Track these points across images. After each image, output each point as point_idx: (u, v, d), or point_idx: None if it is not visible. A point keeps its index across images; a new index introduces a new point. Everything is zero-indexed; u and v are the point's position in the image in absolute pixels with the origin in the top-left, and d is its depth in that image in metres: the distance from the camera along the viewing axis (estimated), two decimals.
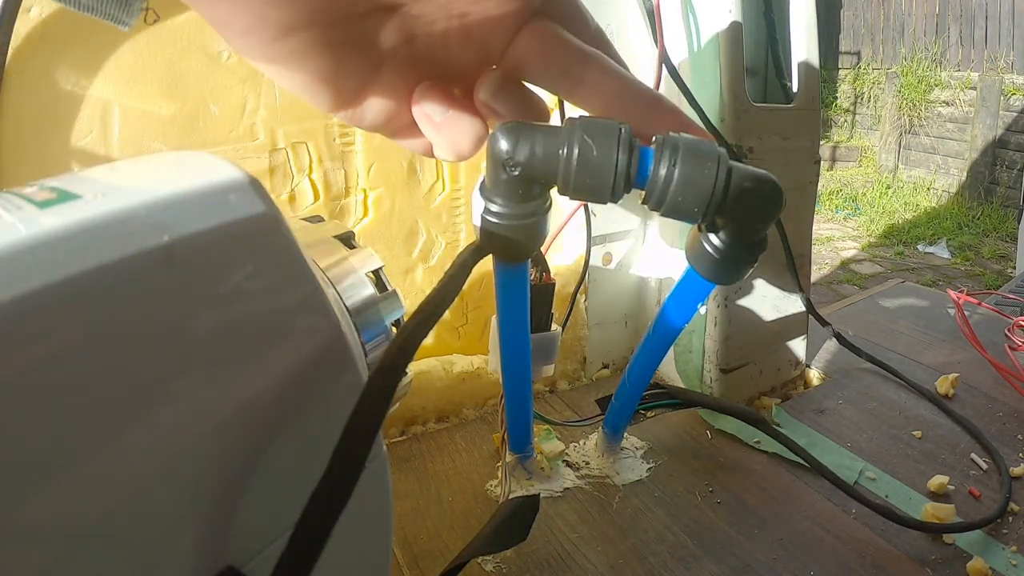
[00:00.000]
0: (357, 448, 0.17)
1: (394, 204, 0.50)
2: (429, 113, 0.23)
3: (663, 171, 0.25)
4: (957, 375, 0.59)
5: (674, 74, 0.49)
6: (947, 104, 4.28)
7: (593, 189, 0.25)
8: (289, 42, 0.20)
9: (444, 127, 0.24)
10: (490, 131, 0.25)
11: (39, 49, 0.36)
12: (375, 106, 0.24)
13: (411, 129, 0.25)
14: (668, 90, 0.53)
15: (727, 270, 0.29)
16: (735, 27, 0.49)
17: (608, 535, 0.41)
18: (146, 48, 0.39)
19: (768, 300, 0.55)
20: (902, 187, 4.42)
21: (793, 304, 0.57)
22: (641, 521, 0.42)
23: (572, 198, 0.26)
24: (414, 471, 0.47)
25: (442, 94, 0.23)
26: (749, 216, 0.27)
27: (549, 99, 0.52)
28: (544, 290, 0.43)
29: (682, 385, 0.57)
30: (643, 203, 0.26)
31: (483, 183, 0.27)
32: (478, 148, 0.25)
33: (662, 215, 0.26)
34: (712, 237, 0.29)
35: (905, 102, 4.47)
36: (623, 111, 0.24)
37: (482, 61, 0.23)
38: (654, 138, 0.25)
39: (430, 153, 0.25)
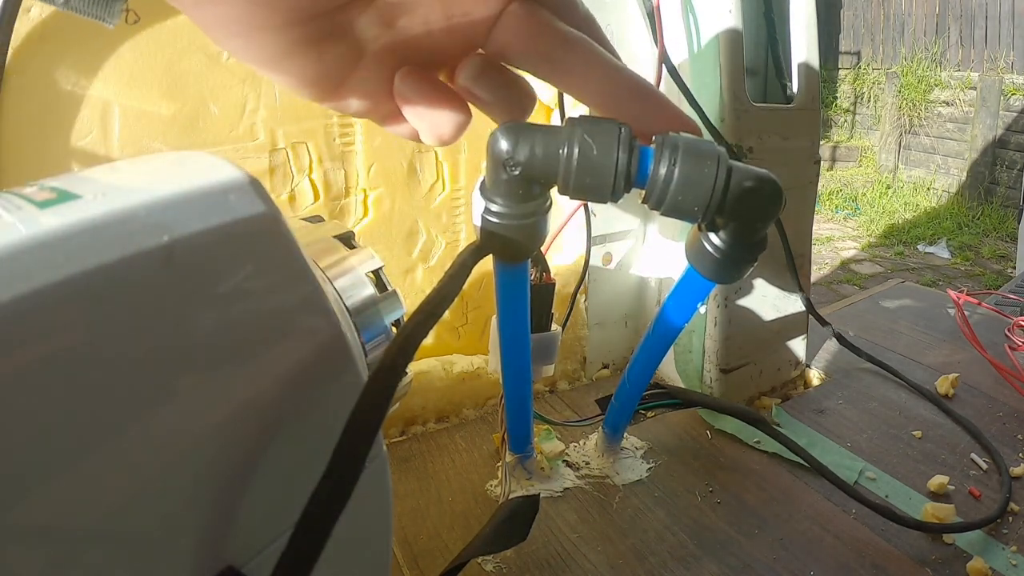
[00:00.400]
0: (357, 448, 0.17)
1: (394, 204, 0.50)
2: (409, 99, 0.23)
3: (663, 170, 0.25)
4: (957, 375, 0.59)
5: (674, 74, 0.49)
6: (947, 104, 4.28)
7: (593, 189, 0.25)
8: (271, 42, 0.20)
9: (424, 113, 0.23)
10: (472, 116, 0.24)
11: (39, 49, 0.36)
12: (359, 94, 0.23)
13: (399, 115, 0.25)
14: (668, 90, 0.53)
15: (727, 269, 0.29)
16: (735, 27, 0.49)
17: (608, 535, 0.41)
18: (146, 48, 0.39)
19: (768, 300, 0.55)
20: (902, 187, 4.42)
21: (793, 304, 0.57)
22: (641, 521, 0.42)
23: (572, 198, 0.26)
24: (414, 471, 0.47)
25: (422, 80, 0.23)
26: (749, 215, 0.27)
27: (548, 96, 0.52)
28: (544, 290, 0.43)
29: (682, 385, 0.57)
30: (643, 202, 0.26)
31: (483, 183, 0.28)
32: (459, 133, 0.24)
33: (662, 214, 0.26)
34: (712, 236, 0.29)
35: (905, 102, 4.47)
36: (606, 98, 0.24)
37: (466, 45, 0.23)
38: (654, 137, 0.25)
39: (418, 138, 0.25)
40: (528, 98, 0.25)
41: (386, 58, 0.23)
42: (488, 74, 0.23)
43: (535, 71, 0.23)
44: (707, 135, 0.48)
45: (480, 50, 0.24)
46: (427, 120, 0.24)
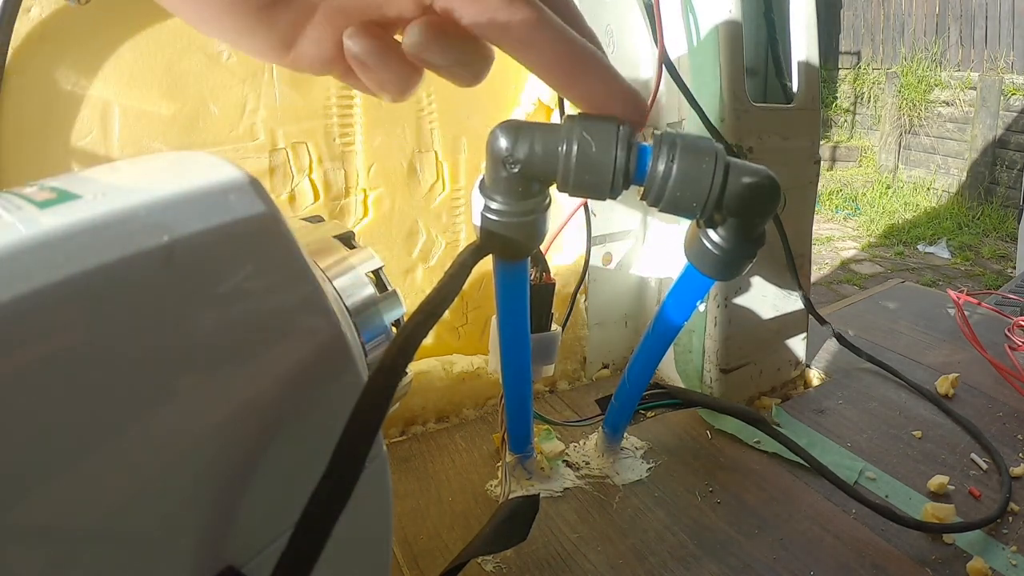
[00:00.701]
0: (357, 448, 0.17)
1: (394, 204, 0.50)
2: (358, 57, 0.23)
3: (661, 167, 0.25)
4: (957, 375, 0.59)
5: (674, 74, 0.49)
6: (947, 104, 4.28)
7: (592, 186, 0.25)
8: (228, 11, 0.21)
9: (372, 71, 0.23)
10: (423, 74, 0.24)
11: (39, 49, 0.36)
12: (314, 54, 0.24)
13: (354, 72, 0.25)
14: (668, 90, 0.54)
15: (726, 266, 0.30)
16: (735, 27, 0.49)
17: (608, 535, 0.41)
18: (146, 48, 0.39)
19: (768, 300, 0.55)
20: (902, 187, 4.42)
21: (793, 304, 0.57)
22: (641, 521, 0.42)
23: (572, 195, 0.26)
24: (414, 471, 0.47)
25: (369, 38, 0.23)
26: (747, 211, 0.27)
27: (548, 95, 0.52)
28: (544, 290, 0.43)
29: (682, 385, 0.57)
30: (642, 199, 0.26)
31: (482, 181, 0.28)
32: (407, 91, 0.24)
33: (661, 210, 0.26)
34: (711, 233, 0.29)
35: (905, 102, 4.46)
36: (546, 66, 0.23)
37: (416, 5, 0.23)
38: (652, 134, 0.25)
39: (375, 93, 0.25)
40: (480, 61, 0.24)
41: (337, 18, 0.23)
42: (433, 37, 0.23)
43: (480, 32, 0.23)
44: (706, 135, 0.48)
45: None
46: (374, 79, 0.24)
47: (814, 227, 0.60)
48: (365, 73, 0.24)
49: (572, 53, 0.23)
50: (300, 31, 0.23)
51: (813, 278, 0.93)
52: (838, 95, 5.13)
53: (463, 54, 0.23)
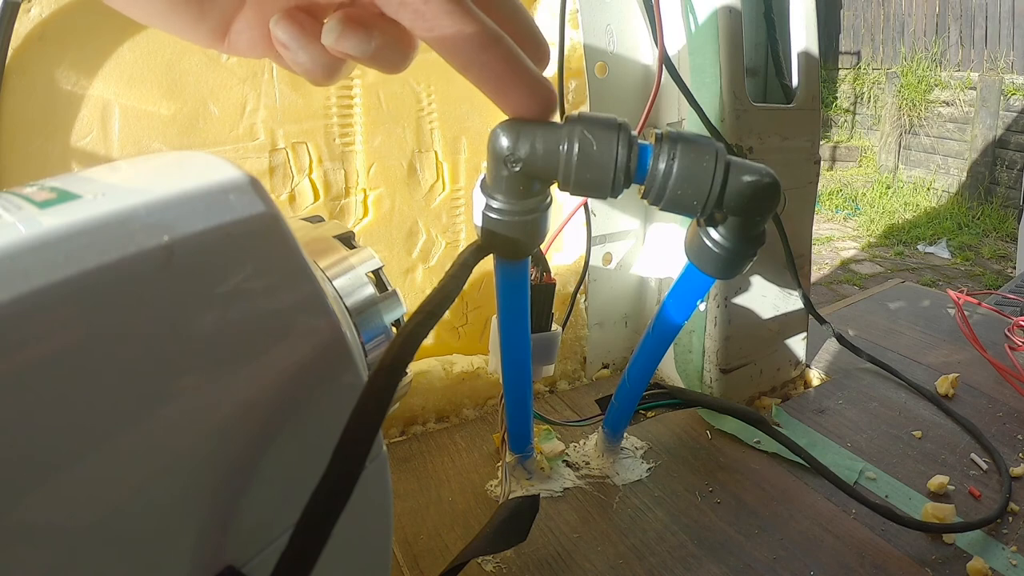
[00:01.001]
0: (357, 448, 0.17)
1: (394, 204, 0.50)
2: (283, 44, 0.23)
3: (662, 165, 0.25)
4: (957, 375, 0.59)
5: (674, 74, 0.49)
6: (947, 104, 4.28)
7: (594, 184, 0.25)
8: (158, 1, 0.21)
9: (295, 56, 0.24)
10: (345, 60, 0.24)
11: (39, 49, 0.36)
12: (244, 38, 0.24)
13: None
14: (668, 90, 0.54)
15: (727, 264, 0.30)
16: (735, 27, 0.49)
17: (608, 535, 0.41)
18: (146, 48, 0.39)
19: (768, 300, 0.55)
20: (902, 187, 4.42)
21: (793, 304, 0.57)
22: (641, 521, 0.42)
23: (573, 194, 0.26)
24: (414, 471, 0.47)
25: (294, 24, 0.23)
26: (748, 210, 0.27)
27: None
28: (544, 290, 0.43)
29: (682, 385, 0.57)
30: (643, 197, 0.26)
31: (483, 180, 0.28)
32: (333, 76, 0.24)
33: (661, 209, 0.26)
34: (711, 231, 0.29)
35: (905, 102, 4.47)
36: (446, 44, 0.22)
37: None
38: (654, 133, 0.25)
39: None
40: (399, 51, 0.23)
41: (266, 5, 0.23)
42: (350, 29, 0.22)
43: (397, 16, 0.22)
44: (706, 135, 0.48)
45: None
46: (299, 65, 0.24)
47: (814, 227, 0.60)
48: (289, 58, 0.24)
49: (473, 34, 0.22)
50: (232, 18, 0.23)
51: (813, 278, 0.93)
52: (838, 95, 5.13)
53: (381, 46, 0.23)
